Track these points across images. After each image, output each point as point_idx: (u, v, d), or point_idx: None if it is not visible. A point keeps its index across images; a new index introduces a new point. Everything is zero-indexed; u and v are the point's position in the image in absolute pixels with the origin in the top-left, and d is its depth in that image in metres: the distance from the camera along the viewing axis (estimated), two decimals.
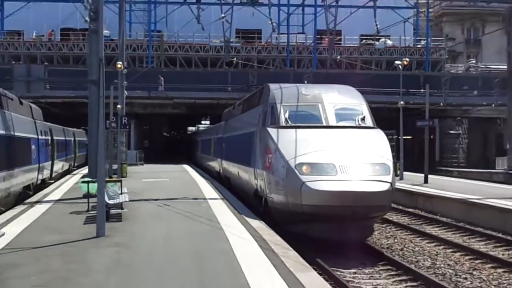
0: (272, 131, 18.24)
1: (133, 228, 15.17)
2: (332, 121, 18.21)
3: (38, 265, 10.76)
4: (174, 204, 20.13)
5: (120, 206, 17.22)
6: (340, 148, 16.65)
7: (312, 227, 15.43)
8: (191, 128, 70.92)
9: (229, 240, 13.42)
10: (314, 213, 15.01)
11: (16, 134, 21.95)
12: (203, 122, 70.55)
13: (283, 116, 18.40)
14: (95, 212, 14.63)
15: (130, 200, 18.61)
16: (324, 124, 18.18)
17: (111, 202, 16.23)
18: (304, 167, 15.64)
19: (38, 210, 18.75)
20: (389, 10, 44.12)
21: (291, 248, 12.62)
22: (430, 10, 64.88)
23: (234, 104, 35.21)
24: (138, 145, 53.19)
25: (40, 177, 27.58)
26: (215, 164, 37.56)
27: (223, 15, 27.24)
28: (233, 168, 27.63)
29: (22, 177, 22.87)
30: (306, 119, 18.53)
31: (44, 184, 28.73)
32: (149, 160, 49.58)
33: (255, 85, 36.89)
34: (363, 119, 18.67)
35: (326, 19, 32.53)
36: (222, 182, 31.69)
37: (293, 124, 18.11)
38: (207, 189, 25.94)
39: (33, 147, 25.27)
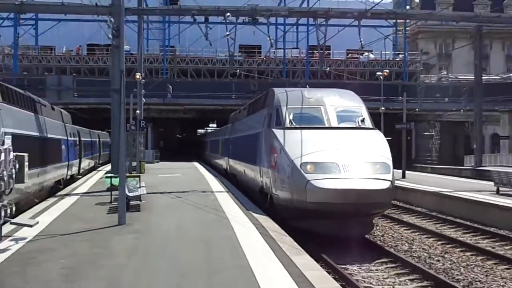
0: (277, 132, 17.13)
1: (150, 217, 15.19)
2: (334, 123, 17.17)
3: (67, 249, 10.81)
4: (186, 196, 20.13)
5: (138, 198, 17.27)
6: (342, 148, 15.62)
7: (316, 223, 14.37)
8: (200, 131, 70.68)
9: (233, 227, 13.44)
10: (318, 210, 13.96)
11: (49, 135, 21.99)
12: (210, 125, 70.51)
13: (288, 117, 17.31)
14: (117, 203, 14.65)
15: (147, 193, 18.60)
16: (327, 125, 17.13)
17: (131, 194, 16.26)
18: (308, 166, 14.64)
19: (67, 202, 18.77)
20: (372, 28, 43.85)
21: (286, 234, 12.62)
22: (407, 28, 64.67)
23: (240, 108, 33.98)
24: (154, 145, 53.12)
25: (69, 173, 27.61)
26: (222, 162, 36.45)
27: (227, 33, 27.07)
28: (239, 166, 26.62)
29: (54, 173, 22.90)
30: (309, 120, 17.39)
31: (72, 179, 28.76)
32: (164, 159, 49.45)
33: (258, 91, 36.55)
34: (362, 120, 17.64)
35: (317, 36, 32.36)
36: (228, 178, 30.69)
37: (297, 125, 16.97)
38: (214, 184, 25.97)
39: (63, 147, 25.30)
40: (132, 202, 16.56)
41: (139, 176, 20.35)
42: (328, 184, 13.94)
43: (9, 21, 46.51)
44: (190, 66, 62.47)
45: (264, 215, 15.81)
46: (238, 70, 55.18)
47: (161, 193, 20.75)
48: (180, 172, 32.77)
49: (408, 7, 55.91)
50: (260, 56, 65.27)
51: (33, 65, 61.15)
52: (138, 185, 17.85)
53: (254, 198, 20.53)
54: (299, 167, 14.72)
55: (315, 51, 57.54)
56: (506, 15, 46.52)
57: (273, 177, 16.72)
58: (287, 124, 17.12)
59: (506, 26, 47.64)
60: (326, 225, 14.23)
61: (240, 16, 27.56)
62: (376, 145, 16.26)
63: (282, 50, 59.67)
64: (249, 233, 12.63)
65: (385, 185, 14.25)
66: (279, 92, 19.37)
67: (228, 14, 26.85)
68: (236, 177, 27.95)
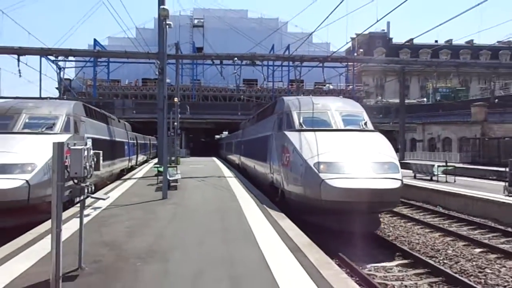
0: (289, 134, 13.47)
1: (183, 194, 15.17)
2: (341, 125, 13.68)
3: (128, 215, 10.86)
4: (207, 179, 20.15)
5: (176, 181, 17.28)
6: (351, 148, 12.25)
7: (328, 218, 11.31)
8: (217, 136, 70.45)
9: (239, 201, 13.47)
10: (332, 207, 10.94)
11: (116, 139, 22.03)
12: (224, 132, 70.21)
13: (298, 121, 13.76)
14: (162, 184, 14.67)
15: (182, 178, 18.65)
16: (334, 128, 13.55)
17: (171, 178, 16.24)
18: (322, 166, 11.44)
19: (129, 183, 18.81)
20: (331, 68, 44.21)
21: (274, 206, 12.58)
22: (355, 68, 64.65)
23: (249, 118, 30.31)
24: (186, 145, 53.13)
25: (130, 164, 27.63)
26: (235, 158, 32.99)
27: (235, 71, 27.19)
28: (249, 162, 22.92)
29: (119, 164, 22.92)
30: (318, 123, 13.74)
31: (132, 168, 28.79)
32: (193, 155, 49.56)
33: (262, 103, 36.41)
34: (365, 123, 14.13)
35: (294, 74, 32.71)
36: (239, 170, 27.45)
37: (307, 128, 13.42)
38: (226, 171, 26.00)
39: (125, 147, 25.32)
40: (171, 184, 16.56)
41: (176, 166, 20.35)
42: (342, 183, 10.85)
43: (90, 62, 46.64)
44: (210, 93, 62.68)
45: (261, 194, 15.49)
46: (242, 96, 55.22)
47: (191, 177, 20.78)
48: (203, 164, 32.76)
49: (355, 54, 55.99)
50: (257, 86, 65.44)
51: (106, 92, 61.14)
52: (175, 172, 17.88)
53: (262, 188, 17.24)
54: (313, 166, 11.46)
55: (293, 83, 57.63)
56: (421, 60, 47.58)
57: (285, 174, 13.09)
58: (298, 127, 13.60)
59: (420, 67, 48.03)
60: (337, 221, 11.11)
61: (243, 60, 27.61)
62: (381, 146, 12.77)
63: (272, 83, 59.58)
64: (249, 205, 12.64)
65: (396, 184, 11.05)
66: (289, 99, 15.67)
67: (235, 58, 26.96)
68: (247, 170, 24.51)
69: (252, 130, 23.54)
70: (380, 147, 12.42)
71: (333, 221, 11.06)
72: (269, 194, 15.12)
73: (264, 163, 16.92)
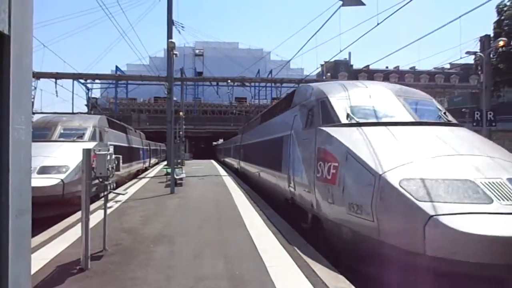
0: (332, 130, 6.38)
1: (187, 189, 15.11)
2: (414, 117, 6.48)
3: (143, 206, 10.78)
4: (206, 178, 20.13)
5: (181, 179, 17.24)
6: (453, 152, 5.00)
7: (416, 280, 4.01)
8: (214, 142, 70.20)
9: (232, 194, 13.45)
10: (450, 270, 3.71)
11: (133, 146, 21.90)
12: (220, 140, 70.14)
13: (344, 111, 6.72)
14: (170, 181, 14.61)
15: (186, 176, 18.59)
16: (406, 120, 6.32)
17: (177, 177, 16.18)
18: (418, 186, 4.27)
19: (143, 181, 18.70)
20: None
21: (259, 197, 12.46)
22: None
23: (248, 122, 25.13)
24: (190, 150, 53.03)
25: (144, 166, 27.42)
26: (233, 163, 27.32)
27: (228, 90, 27.48)
28: (252, 168, 16.62)
29: (136, 166, 22.75)
30: (376, 115, 6.54)
31: (146, 169, 28.59)
32: (195, 158, 49.62)
33: (250, 116, 35.88)
34: (445, 113, 7.13)
35: (276, 93, 32.96)
36: (238, 174, 22.50)
37: (364, 121, 6.39)
38: (222, 171, 25.94)
39: (140, 152, 25.16)
40: (178, 181, 16.51)
41: (181, 167, 20.30)
42: (477, 225, 3.71)
43: (112, 84, 46.37)
44: (208, 108, 62.64)
45: (250, 189, 15.25)
46: (234, 111, 55.27)
47: (193, 176, 20.72)
48: (203, 165, 32.68)
49: (324, 77, 56.32)
50: (246, 102, 65.51)
51: (125, 108, 60.64)
52: (181, 172, 17.84)
53: (270, 198, 11.68)
54: (399, 187, 4.39)
55: (275, 101, 57.90)
56: (377, 81, 47.81)
57: (326, 195, 6.13)
58: (344, 120, 6.59)
59: None
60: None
61: (235, 82, 27.72)
62: (496, 148, 5.71)
63: (258, 100, 59.77)
64: (239, 197, 12.65)
65: None
66: (318, 84, 8.57)
67: (229, 80, 27.09)
68: (247, 175, 18.64)
69: (256, 132, 16.90)
70: (497, 151, 5.59)
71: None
72: (269, 199, 11.52)
73: (277, 171, 10.35)
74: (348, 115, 6.68)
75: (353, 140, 5.83)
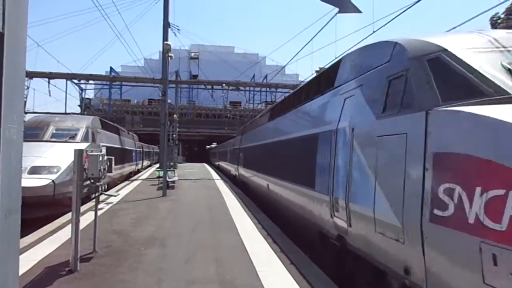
0: (489, 112, 2.32)
1: (179, 192, 15.06)
2: None
3: (134, 209, 10.73)
4: (199, 181, 20.09)
5: (173, 182, 17.16)
6: None
7: None
8: (208, 146, 70.14)
9: (224, 197, 13.45)
10: None
11: (126, 147, 21.75)
12: (213, 144, 70.23)
13: (494, 71, 2.60)
14: (162, 184, 14.54)
15: (178, 179, 18.53)
16: None
17: (169, 179, 16.13)
18: None
19: (135, 183, 18.61)
20: None
21: (252, 202, 12.53)
22: None
23: (252, 120, 20.64)
24: (183, 153, 52.91)
25: (137, 168, 27.26)
26: (230, 168, 23.78)
27: (223, 94, 27.53)
28: (256, 178, 13.07)
29: (129, 168, 22.61)
30: None
31: (139, 171, 28.43)
32: (188, 161, 49.61)
33: (245, 120, 35.75)
34: None
35: (270, 97, 33.09)
36: (236, 182, 19.42)
37: None
38: (214, 175, 25.92)
39: (133, 154, 25.01)
40: (170, 184, 16.45)
41: (174, 170, 20.23)
42: None
43: (106, 85, 46.19)
44: (202, 112, 62.48)
45: (238, 190, 15.28)
46: (228, 114, 55.35)
47: (186, 179, 20.65)
48: (196, 168, 32.65)
49: None
50: (240, 106, 65.57)
51: (119, 109, 60.32)
52: (173, 175, 17.77)
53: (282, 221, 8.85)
54: None
55: (269, 105, 58.13)
56: None
57: (472, 260, 2.28)
58: (495, 93, 2.62)
59: None
60: None
61: (230, 86, 27.78)
62: None
63: (252, 104, 59.86)
64: (231, 201, 12.65)
65: None
66: (407, 37, 4.00)
67: (224, 84, 27.13)
68: (248, 184, 15.45)
69: (264, 131, 12.58)
70: None
71: None
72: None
73: (304, 188, 6.77)
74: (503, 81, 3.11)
75: None
